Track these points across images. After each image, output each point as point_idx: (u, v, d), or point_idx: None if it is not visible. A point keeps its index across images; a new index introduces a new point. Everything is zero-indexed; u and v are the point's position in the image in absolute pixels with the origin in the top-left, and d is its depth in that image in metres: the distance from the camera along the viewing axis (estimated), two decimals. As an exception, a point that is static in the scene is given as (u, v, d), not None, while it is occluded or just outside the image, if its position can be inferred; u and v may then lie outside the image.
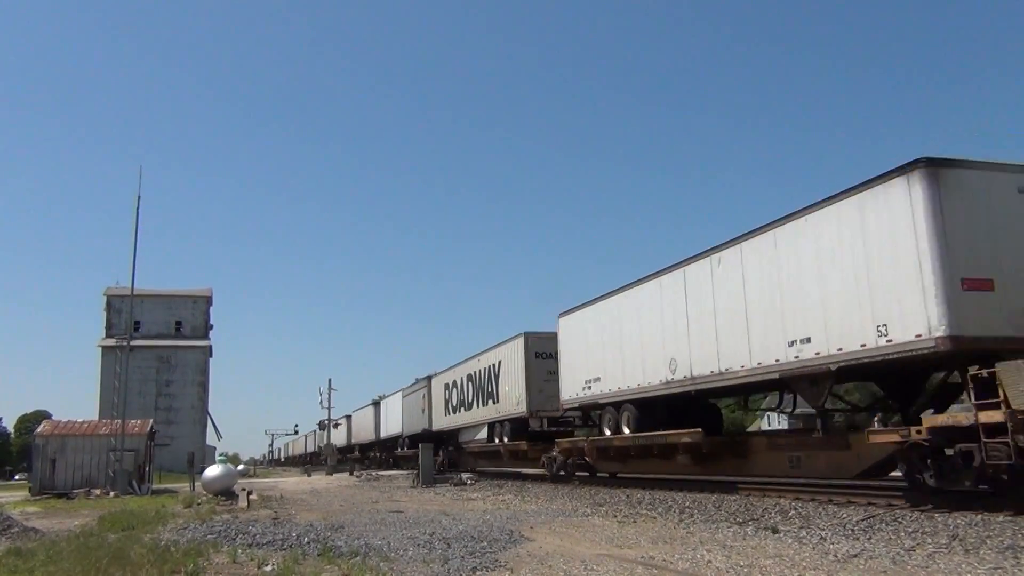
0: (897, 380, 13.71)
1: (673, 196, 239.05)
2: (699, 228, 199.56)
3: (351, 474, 44.90)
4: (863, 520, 10.78)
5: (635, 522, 12.75)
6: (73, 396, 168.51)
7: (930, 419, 11.80)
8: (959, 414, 11.63)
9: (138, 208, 31.14)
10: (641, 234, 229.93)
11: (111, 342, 63.07)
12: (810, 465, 14.47)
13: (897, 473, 12.67)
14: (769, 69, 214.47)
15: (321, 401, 58.19)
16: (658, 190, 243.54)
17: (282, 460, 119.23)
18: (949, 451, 11.19)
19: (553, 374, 24.53)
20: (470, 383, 32.74)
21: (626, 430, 19.80)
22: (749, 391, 18.41)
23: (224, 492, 23.67)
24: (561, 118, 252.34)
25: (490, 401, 29.83)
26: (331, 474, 48.28)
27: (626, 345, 19.53)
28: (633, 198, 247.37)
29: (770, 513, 12.38)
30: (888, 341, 11.44)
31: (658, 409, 18.63)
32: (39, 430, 31.71)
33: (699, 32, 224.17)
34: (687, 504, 14.59)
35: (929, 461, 11.47)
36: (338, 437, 64.27)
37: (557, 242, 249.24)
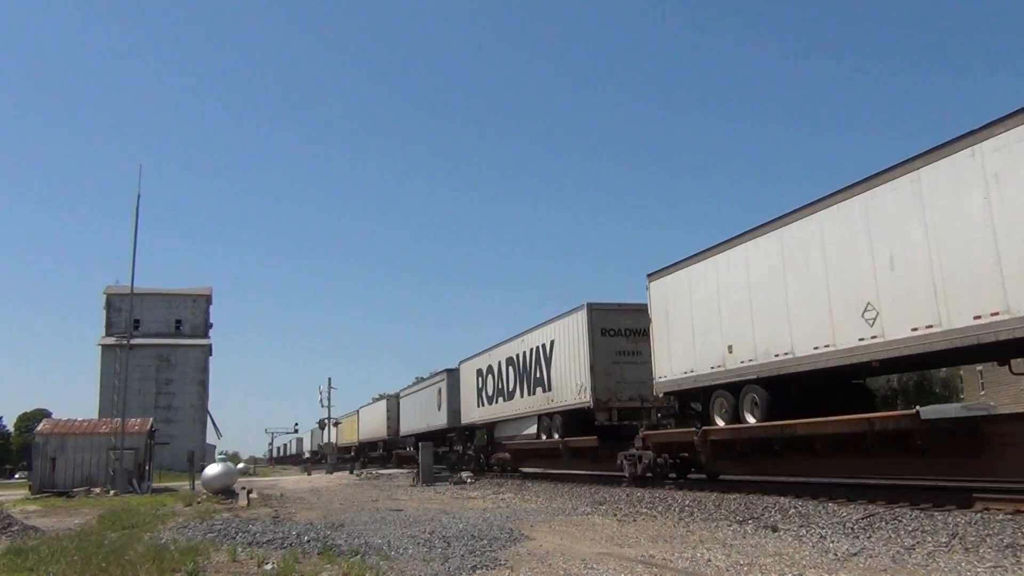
0: None
1: (673, 195, 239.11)
2: (702, 227, 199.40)
3: (351, 472, 44.94)
4: (863, 519, 10.78)
5: (635, 521, 12.75)
6: (73, 395, 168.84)
7: None
8: None
9: (138, 207, 31.22)
10: (643, 235, 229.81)
11: (111, 341, 63.12)
12: None
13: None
14: (769, 66, 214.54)
15: (321, 400, 58.27)
16: (658, 189, 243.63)
17: (306, 455, 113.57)
18: None
19: (624, 355, 21.33)
20: (510, 368, 28.32)
21: (751, 419, 15.54)
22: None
23: (224, 490, 23.70)
24: (562, 118, 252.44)
25: (539, 389, 25.33)
26: (331, 472, 48.34)
27: (743, 312, 15.71)
28: (634, 197, 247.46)
29: (770, 512, 12.38)
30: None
31: (793, 391, 14.82)
32: (39, 428, 31.72)
33: (696, 31, 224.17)
34: (687, 503, 14.59)
35: None
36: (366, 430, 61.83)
37: (558, 243, 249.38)
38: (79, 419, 32.45)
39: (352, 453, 63.17)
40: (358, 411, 62.48)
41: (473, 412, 32.57)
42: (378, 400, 55.42)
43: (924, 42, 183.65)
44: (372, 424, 55.58)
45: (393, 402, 50.02)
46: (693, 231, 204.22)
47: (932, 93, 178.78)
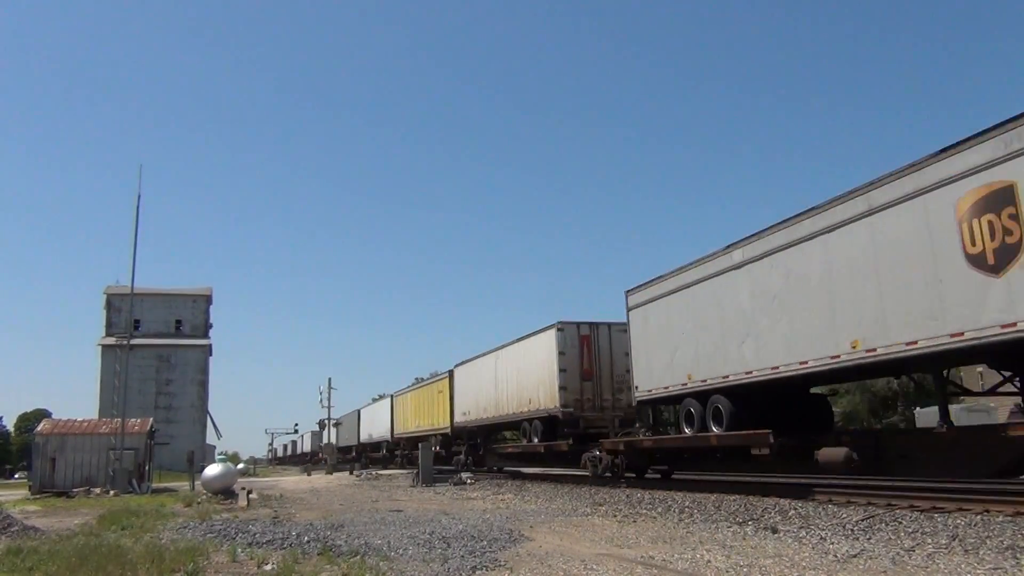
0: None
1: (671, 198, 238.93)
2: (691, 237, 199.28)
3: (351, 473, 44.94)
4: (863, 520, 10.78)
5: (635, 522, 12.75)
6: (73, 395, 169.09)
7: None
8: None
9: (138, 207, 31.21)
10: (640, 241, 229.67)
11: (111, 341, 63.11)
12: None
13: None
14: (769, 70, 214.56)
15: (321, 400, 58.06)
16: (657, 191, 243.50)
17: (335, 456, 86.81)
18: None
19: None
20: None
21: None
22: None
23: (224, 491, 23.69)
24: (558, 125, 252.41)
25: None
26: (331, 473, 48.33)
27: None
28: (633, 199, 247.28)
29: (770, 513, 12.38)
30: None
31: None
32: (39, 429, 31.70)
33: (696, 36, 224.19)
34: (687, 504, 14.59)
35: None
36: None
37: (557, 244, 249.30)
38: (79, 419, 32.39)
39: (437, 447, 35.01)
40: (450, 372, 34.50)
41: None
42: (528, 337, 25.69)
43: (922, 49, 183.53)
44: (499, 390, 27.86)
45: (572, 332, 23.28)
46: (682, 240, 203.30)
47: (931, 98, 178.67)
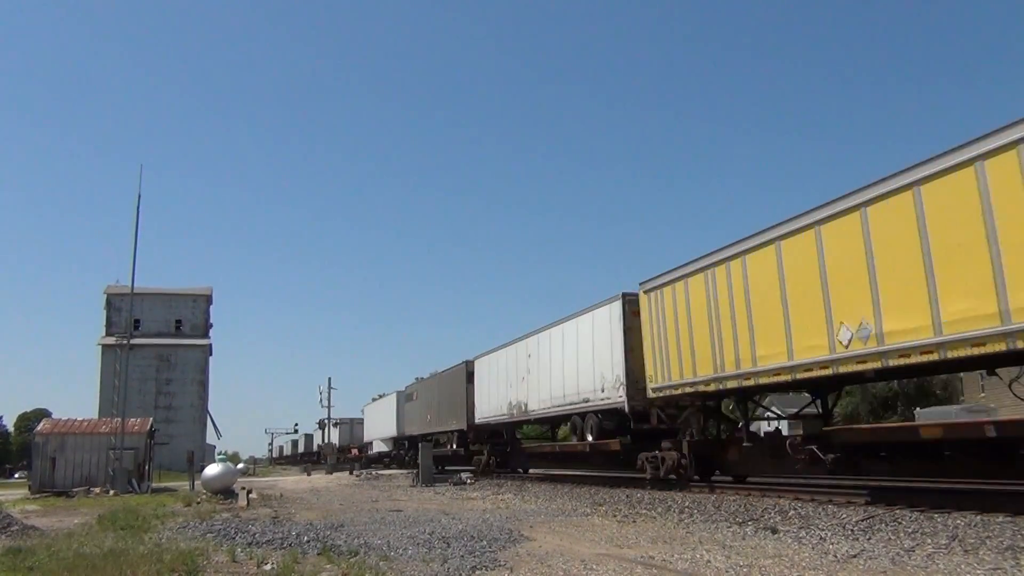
0: None
1: (672, 200, 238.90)
2: (699, 231, 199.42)
3: (351, 473, 44.93)
4: (863, 520, 10.77)
5: (635, 522, 12.75)
6: (73, 394, 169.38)
7: None
8: None
9: (138, 207, 31.15)
10: (639, 238, 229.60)
11: (111, 340, 63.11)
12: None
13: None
14: (769, 71, 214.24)
15: (321, 400, 57.99)
16: (657, 194, 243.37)
17: (375, 450, 57.91)
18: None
19: None
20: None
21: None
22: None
23: (224, 491, 23.68)
24: (558, 121, 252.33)
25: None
26: (331, 473, 48.33)
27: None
28: (632, 202, 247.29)
29: (770, 513, 12.37)
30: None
31: None
32: (39, 428, 31.67)
33: (696, 36, 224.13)
34: (687, 504, 14.58)
35: None
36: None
37: (554, 246, 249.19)
38: (79, 419, 32.35)
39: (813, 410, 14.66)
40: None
41: None
42: None
43: (923, 47, 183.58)
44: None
45: None
46: (687, 234, 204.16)
47: (931, 99, 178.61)
